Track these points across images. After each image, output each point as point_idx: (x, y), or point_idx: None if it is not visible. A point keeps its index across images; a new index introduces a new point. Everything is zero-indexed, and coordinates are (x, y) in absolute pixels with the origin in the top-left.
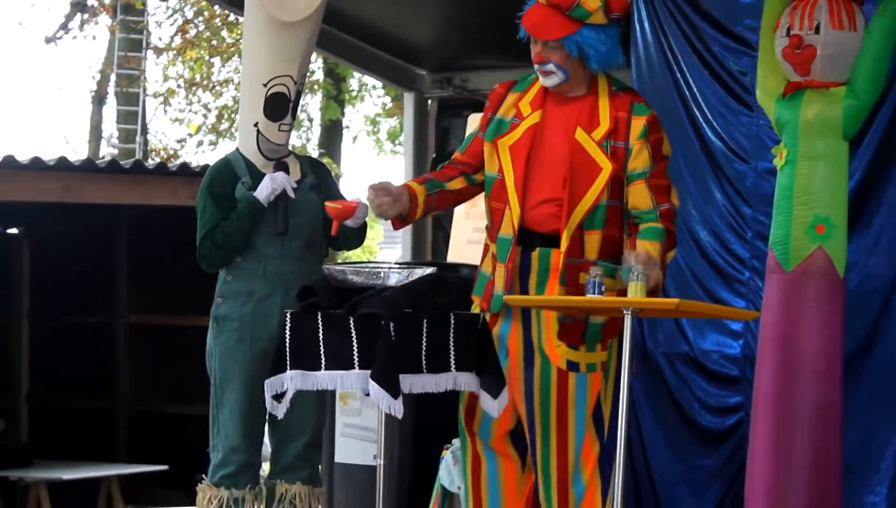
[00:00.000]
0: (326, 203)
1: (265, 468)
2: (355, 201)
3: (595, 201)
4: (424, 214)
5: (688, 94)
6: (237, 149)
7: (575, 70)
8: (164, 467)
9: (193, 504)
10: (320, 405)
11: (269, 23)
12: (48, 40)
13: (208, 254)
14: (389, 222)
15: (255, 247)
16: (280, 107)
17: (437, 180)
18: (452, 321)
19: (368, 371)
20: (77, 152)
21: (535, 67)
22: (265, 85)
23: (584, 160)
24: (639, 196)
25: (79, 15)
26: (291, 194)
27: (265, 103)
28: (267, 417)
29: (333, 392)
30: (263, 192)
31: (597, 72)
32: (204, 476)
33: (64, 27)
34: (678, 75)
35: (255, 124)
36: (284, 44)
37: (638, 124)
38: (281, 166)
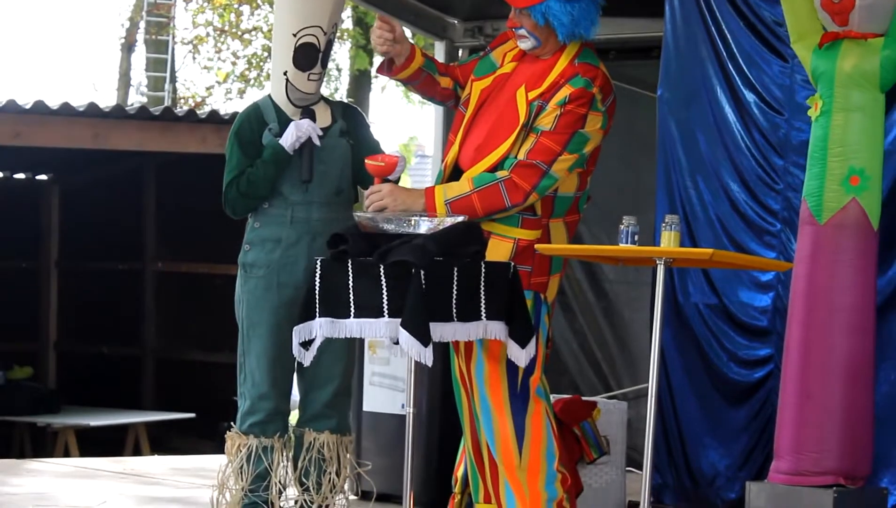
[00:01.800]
0: (366, 160)
1: (293, 416)
2: (395, 155)
3: (505, 152)
4: (408, 80)
5: (720, 44)
6: (269, 95)
7: (546, 37)
8: (191, 415)
9: (219, 452)
10: (348, 354)
11: None
12: None
13: (233, 200)
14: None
15: (281, 194)
16: (309, 57)
17: (434, 65)
18: (483, 270)
19: (398, 320)
20: (106, 100)
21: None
22: (295, 35)
23: (510, 115)
24: (524, 147)
25: None
26: (317, 142)
27: (294, 53)
28: (295, 365)
29: (362, 341)
30: (288, 139)
31: (565, 42)
32: (231, 423)
33: None
34: (711, 24)
35: (285, 73)
36: None
37: (564, 91)
38: (307, 113)
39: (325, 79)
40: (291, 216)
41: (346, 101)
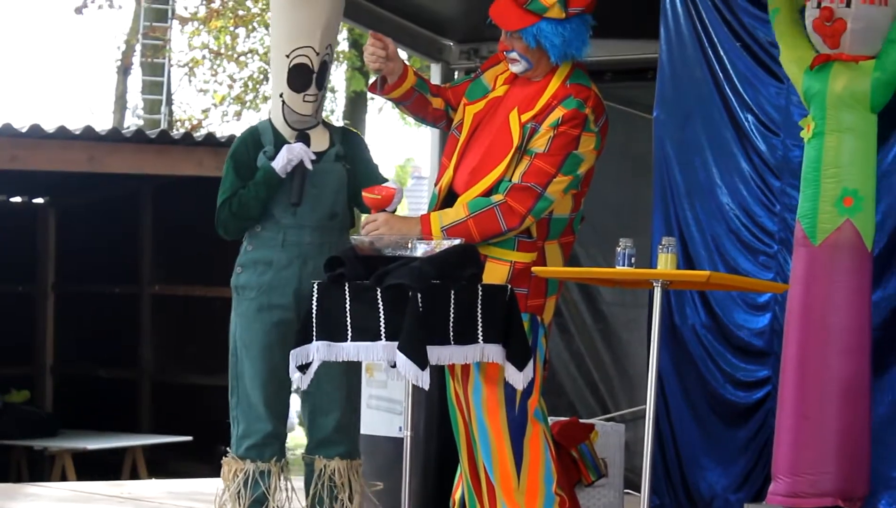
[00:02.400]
0: (363, 192)
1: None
2: (392, 187)
3: (500, 175)
4: (400, 100)
5: (717, 65)
6: (269, 118)
7: (538, 60)
8: (188, 438)
9: (217, 475)
10: (348, 379)
11: None
12: (77, 10)
13: (224, 221)
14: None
15: (273, 217)
16: (303, 77)
17: (427, 86)
18: (480, 293)
19: (395, 343)
20: (102, 123)
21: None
22: (287, 56)
23: (504, 139)
24: (518, 170)
25: None
26: (308, 166)
27: (288, 74)
28: (294, 390)
29: (353, 364)
30: (280, 162)
31: (557, 63)
32: (228, 448)
33: None
34: (707, 46)
35: (281, 95)
36: (303, 16)
37: (556, 113)
38: (302, 137)
39: (323, 102)
40: (283, 239)
41: (346, 125)
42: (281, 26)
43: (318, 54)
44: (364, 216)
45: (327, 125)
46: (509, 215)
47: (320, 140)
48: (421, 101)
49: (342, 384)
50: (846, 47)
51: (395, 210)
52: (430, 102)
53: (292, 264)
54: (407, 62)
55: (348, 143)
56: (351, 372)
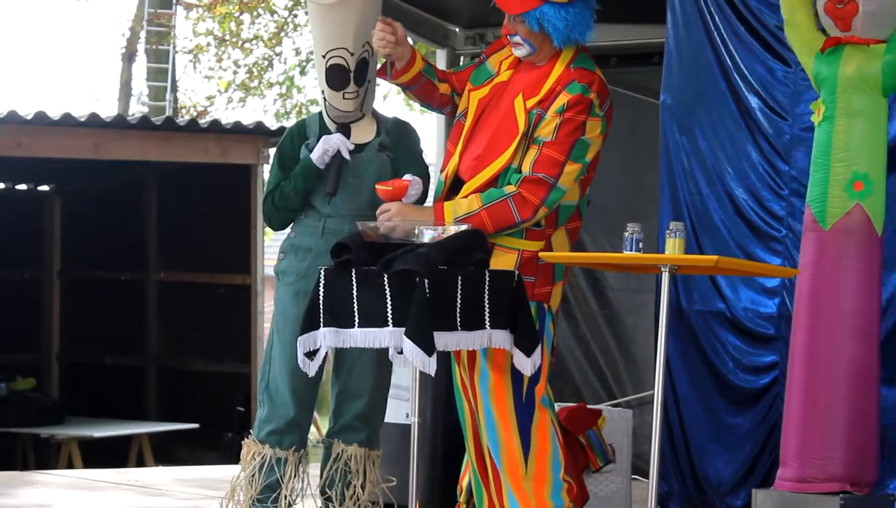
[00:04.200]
0: (377, 185)
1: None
2: (406, 179)
3: (506, 162)
4: (407, 85)
5: (723, 49)
6: (320, 112)
7: (541, 44)
8: (195, 425)
9: (224, 462)
10: (380, 368)
11: (313, 2)
12: None
13: (268, 213)
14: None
15: (314, 206)
16: (339, 77)
17: (434, 71)
18: (487, 279)
19: (402, 329)
20: (107, 110)
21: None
22: (324, 57)
23: (509, 125)
24: (526, 159)
25: None
26: (346, 156)
27: (325, 74)
28: (325, 377)
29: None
30: (316, 153)
31: (560, 47)
32: (240, 434)
33: None
34: (714, 30)
35: (323, 92)
36: (333, 20)
37: (562, 99)
38: (342, 128)
39: (367, 95)
40: (323, 228)
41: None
42: (316, 28)
43: (352, 54)
44: (380, 207)
45: (377, 116)
46: (523, 207)
47: (365, 131)
48: (428, 86)
49: (372, 372)
50: (857, 30)
51: (418, 201)
52: (437, 88)
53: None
54: (414, 46)
55: (396, 134)
56: (383, 361)
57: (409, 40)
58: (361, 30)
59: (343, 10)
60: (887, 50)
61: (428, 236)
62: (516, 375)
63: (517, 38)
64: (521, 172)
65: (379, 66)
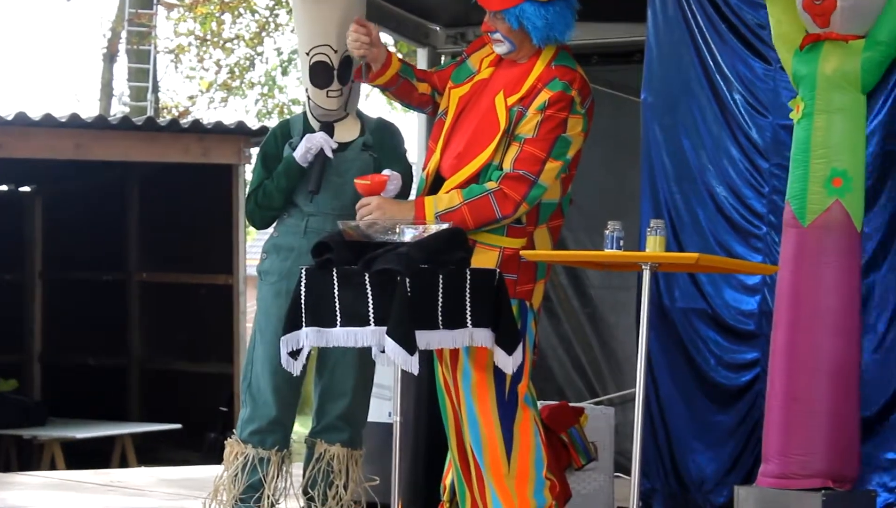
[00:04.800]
0: (355, 179)
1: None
2: (384, 174)
3: (487, 159)
4: (385, 86)
5: (704, 47)
6: (304, 111)
7: (521, 41)
8: (178, 426)
9: (206, 463)
10: (362, 368)
11: None
12: None
13: (251, 212)
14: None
15: (296, 205)
16: (323, 74)
17: (412, 71)
18: (469, 277)
19: (384, 328)
20: (88, 111)
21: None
22: (307, 54)
23: (490, 122)
24: (507, 156)
25: None
26: (329, 154)
27: (309, 72)
28: (308, 376)
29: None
30: (299, 151)
31: (540, 46)
32: (224, 434)
33: None
34: (694, 28)
35: (307, 90)
36: (319, 15)
37: (543, 96)
38: (325, 127)
39: (351, 94)
40: (305, 227)
41: (382, 117)
42: (300, 25)
43: (336, 51)
44: (360, 201)
45: (361, 116)
46: (504, 202)
47: (349, 130)
48: (406, 86)
49: (355, 371)
50: (836, 26)
51: (397, 196)
52: (416, 88)
53: None
54: (393, 47)
55: (379, 134)
56: (366, 361)
57: (391, 39)
58: (345, 27)
59: (327, 6)
60: (866, 46)
61: (409, 234)
62: (499, 373)
63: (497, 35)
64: (502, 169)
65: (354, 68)
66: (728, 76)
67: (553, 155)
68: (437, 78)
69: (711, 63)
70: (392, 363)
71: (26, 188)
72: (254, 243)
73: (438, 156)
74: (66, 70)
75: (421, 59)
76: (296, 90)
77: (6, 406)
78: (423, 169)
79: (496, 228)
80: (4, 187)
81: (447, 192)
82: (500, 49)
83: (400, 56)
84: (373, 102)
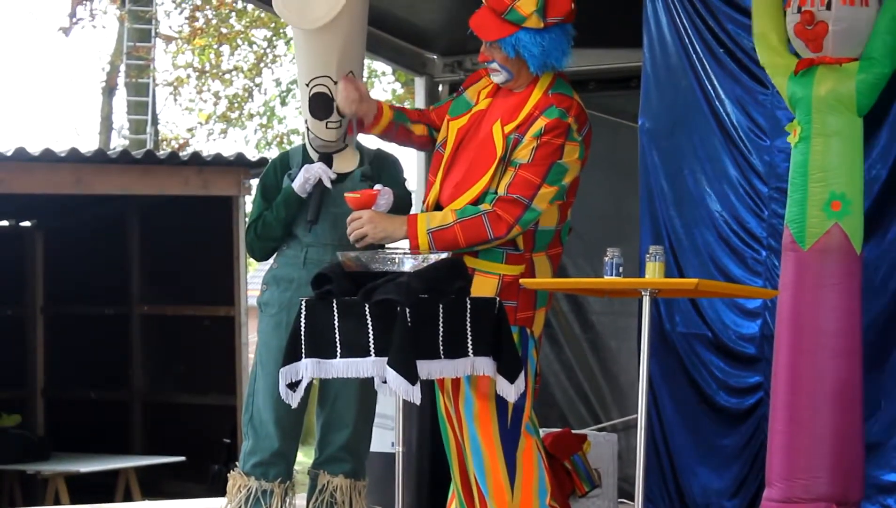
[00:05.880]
0: (345, 194)
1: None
2: (375, 189)
3: (484, 187)
4: (382, 135)
5: (702, 73)
6: (303, 143)
7: (518, 70)
8: (181, 458)
9: (210, 495)
10: (364, 398)
11: (297, 28)
12: (64, 30)
13: (251, 243)
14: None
15: (295, 236)
16: (322, 106)
17: (406, 115)
18: (469, 306)
19: (384, 358)
20: (88, 144)
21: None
22: (307, 85)
23: (488, 150)
24: (503, 181)
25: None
26: (327, 184)
27: (309, 103)
28: (305, 407)
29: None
30: (297, 181)
31: (537, 73)
32: (225, 466)
33: (72, 14)
34: (692, 53)
35: (306, 122)
36: (317, 47)
37: (540, 123)
38: (324, 158)
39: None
40: (305, 258)
41: (380, 149)
42: (301, 57)
43: (335, 83)
44: (351, 215)
45: (360, 147)
46: (496, 224)
47: (348, 161)
48: (402, 131)
49: (357, 402)
50: (829, 50)
51: (406, 208)
52: (413, 131)
53: None
54: (391, 76)
55: (378, 164)
56: (368, 391)
57: (388, 69)
58: (345, 57)
59: (326, 36)
60: (860, 69)
61: (408, 264)
62: (501, 402)
63: (494, 65)
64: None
65: (345, 124)
66: (725, 101)
67: (548, 181)
68: (434, 115)
69: (709, 87)
70: (393, 394)
71: (27, 223)
72: (255, 274)
73: (438, 187)
74: (66, 104)
75: (419, 88)
76: (295, 121)
77: (9, 442)
78: (423, 201)
79: (492, 254)
80: (5, 223)
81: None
82: (498, 78)
83: (392, 106)
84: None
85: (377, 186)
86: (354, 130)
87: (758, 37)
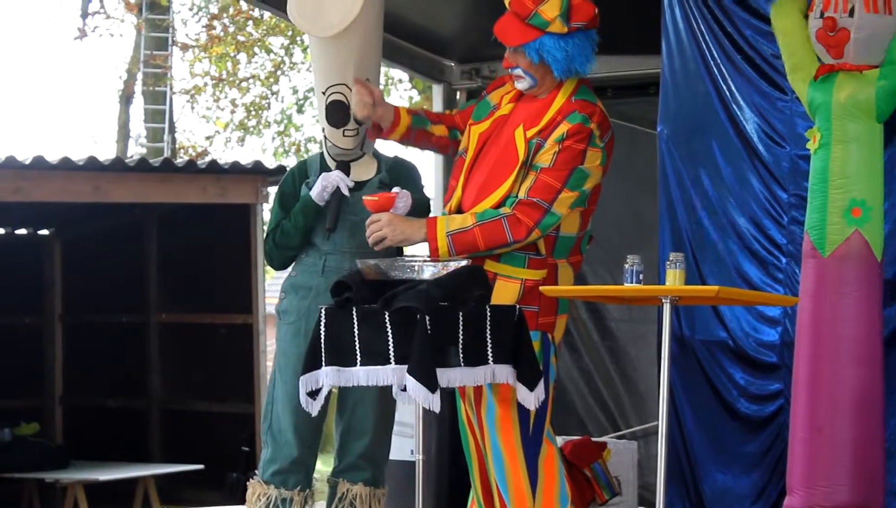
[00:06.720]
0: (364, 197)
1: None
2: (395, 191)
3: (507, 191)
4: (402, 140)
5: (720, 79)
6: (321, 151)
7: (542, 75)
8: (200, 466)
9: (228, 503)
10: (383, 406)
11: (312, 36)
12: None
13: (269, 252)
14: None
15: (314, 244)
16: (339, 114)
17: (425, 118)
18: (488, 314)
19: (404, 366)
20: (106, 153)
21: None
22: (324, 93)
23: (510, 154)
24: (524, 185)
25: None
26: (345, 192)
27: (325, 111)
28: (329, 415)
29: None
30: (315, 189)
31: (561, 78)
32: (244, 474)
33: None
34: (710, 59)
35: (323, 130)
36: (333, 55)
37: (561, 128)
38: (341, 166)
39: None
40: (323, 265)
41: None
42: (317, 65)
43: (352, 90)
44: (370, 218)
45: (378, 156)
46: (516, 227)
47: (366, 169)
48: (422, 134)
49: (376, 409)
50: (850, 57)
51: (426, 211)
52: (432, 133)
53: None
54: (408, 83)
55: (396, 172)
56: (387, 398)
57: (406, 75)
58: (361, 65)
59: (341, 44)
60: (880, 76)
61: (428, 272)
62: (522, 409)
63: (518, 71)
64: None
65: (364, 129)
66: (745, 107)
67: (568, 186)
68: (458, 118)
69: (728, 94)
70: (413, 402)
71: (45, 232)
72: (272, 282)
73: (460, 192)
74: (83, 112)
75: (437, 95)
76: (312, 128)
77: (28, 450)
78: (445, 206)
79: (514, 259)
80: (24, 231)
81: None
82: (522, 85)
83: (410, 111)
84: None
85: (395, 189)
86: (374, 134)
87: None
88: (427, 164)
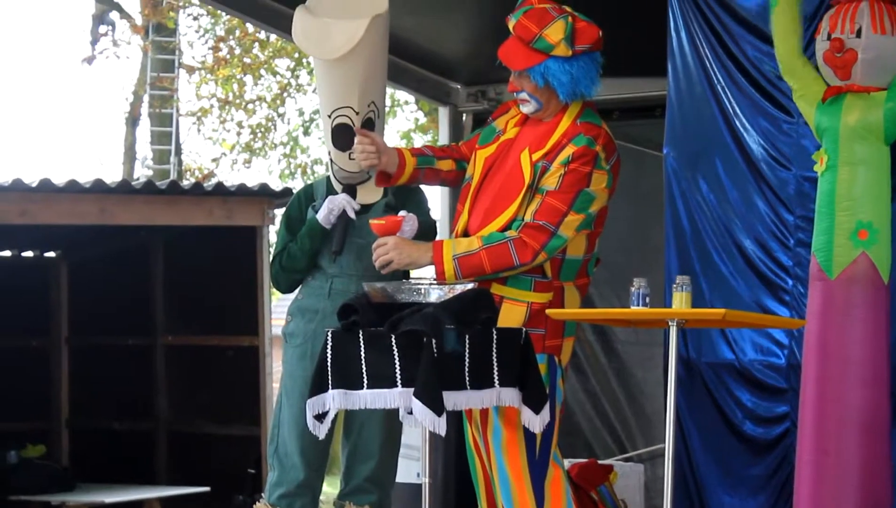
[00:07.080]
0: (370, 221)
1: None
2: (402, 214)
3: (513, 215)
4: (410, 182)
5: (725, 101)
6: (327, 175)
7: (547, 99)
8: (206, 488)
9: None
10: (390, 429)
11: (317, 59)
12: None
13: (276, 276)
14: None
15: (320, 267)
16: (344, 137)
17: (429, 155)
18: (495, 337)
19: (411, 389)
20: (112, 175)
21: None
22: (329, 116)
23: (515, 178)
24: (530, 208)
25: (105, 28)
26: (352, 215)
27: (331, 134)
28: (336, 437)
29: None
30: (322, 212)
31: (566, 102)
32: (251, 497)
33: (94, 42)
34: (715, 81)
35: (329, 153)
36: (338, 77)
37: (567, 151)
38: (348, 189)
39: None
40: (330, 288)
41: None
42: (322, 88)
43: (357, 113)
44: (376, 242)
45: None
46: (522, 250)
47: (372, 193)
48: (430, 172)
49: (382, 432)
50: (857, 78)
51: (432, 234)
52: (440, 169)
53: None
54: (414, 105)
55: (402, 194)
56: (393, 421)
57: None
58: (367, 88)
59: (347, 66)
60: (888, 97)
61: (434, 295)
62: (529, 432)
63: (524, 95)
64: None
65: (373, 176)
66: (750, 129)
67: (574, 208)
68: (464, 148)
69: (733, 116)
70: (419, 425)
71: (51, 254)
72: (278, 304)
73: (466, 216)
74: (90, 135)
75: (442, 117)
76: (318, 150)
77: (34, 472)
78: (451, 230)
79: (520, 282)
80: (30, 253)
81: None
82: (527, 109)
83: (414, 151)
84: None
85: (402, 213)
86: (383, 181)
87: (784, 64)
88: (433, 187)
